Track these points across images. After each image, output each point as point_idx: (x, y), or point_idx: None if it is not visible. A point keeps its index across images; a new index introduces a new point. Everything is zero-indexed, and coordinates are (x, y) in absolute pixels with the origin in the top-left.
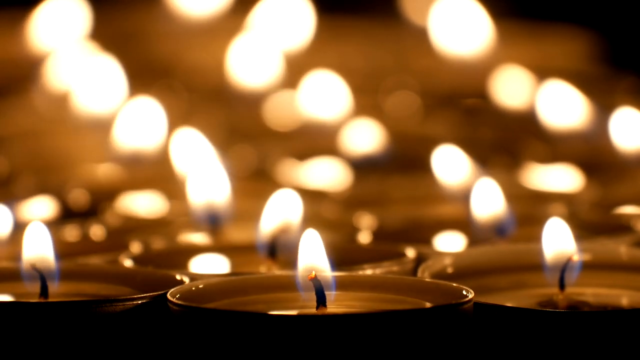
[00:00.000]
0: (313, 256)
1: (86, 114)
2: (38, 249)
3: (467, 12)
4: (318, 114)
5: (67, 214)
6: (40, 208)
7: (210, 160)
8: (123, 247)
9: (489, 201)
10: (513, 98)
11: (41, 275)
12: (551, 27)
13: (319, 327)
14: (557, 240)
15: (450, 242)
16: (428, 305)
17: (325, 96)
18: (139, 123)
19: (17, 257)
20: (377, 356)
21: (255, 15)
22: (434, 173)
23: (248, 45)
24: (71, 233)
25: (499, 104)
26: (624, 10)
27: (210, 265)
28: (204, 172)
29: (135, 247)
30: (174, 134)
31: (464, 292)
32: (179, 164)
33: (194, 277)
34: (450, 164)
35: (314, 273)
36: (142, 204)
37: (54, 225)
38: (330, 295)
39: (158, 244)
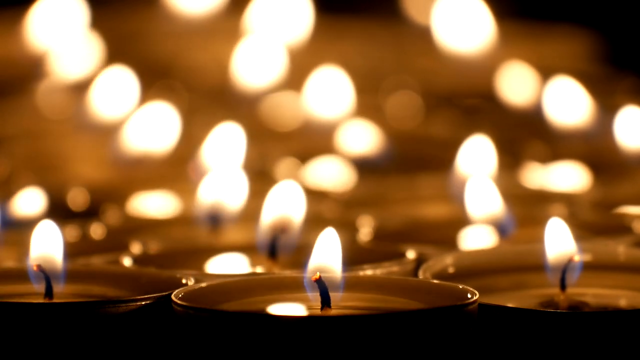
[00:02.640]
0: (327, 255)
1: (86, 113)
2: (45, 248)
3: (468, 11)
4: (319, 114)
5: (67, 214)
6: (39, 208)
7: (219, 160)
8: (123, 247)
9: (488, 201)
10: (514, 97)
11: (46, 276)
12: (551, 27)
13: (324, 328)
14: (558, 240)
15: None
16: (433, 306)
17: (325, 96)
18: (140, 122)
19: (17, 257)
20: (382, 357)
21: (254, 15)
22: (457, 170)
23: (248, 45)
24: (71, 233)
25: (500, 104)
26: (624, 10)
27: (211, 266)
28: (213, 172)
29: (136, 247)
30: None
31: (469, 294)
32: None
33: (198, 278)
34: (473, 162)
35: (318, 274)
36: (143, 204)
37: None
38: (337, 296)
39: (158, 244)
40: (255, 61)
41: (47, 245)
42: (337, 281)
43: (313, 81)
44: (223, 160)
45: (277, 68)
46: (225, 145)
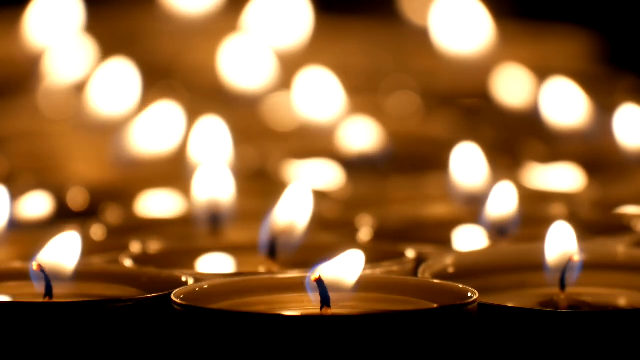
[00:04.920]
0: (344, 270)
1: (86, 113)
2: (60, 254)
3: (467, 11)
4: (318, 114)
5: (67, 214)
6: (39, 207)
7: (214, 159)
8: (123, 247)
9: (491, 201)
10: (513, 98)
11: (46, 276)
12: (551, 27)
13: (323, 327)
14: (561, 241)
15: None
16: (433, 305)
17: (325, 96)
18: (140, 121)
19: (19, 257)
20: (382, 357)
21: (253, 15)
22: (449, 171)
23: (247, 45)
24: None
25: (499, 104)
26: (624, 10)
27: (211, 265)
28: (208, 171)
29: (136, 247)
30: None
31: (469, 293)
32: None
33: (198, 278)
34: (466, 164)
35: (317, 274)
36: (143, 203)
37: (53, 225)
38: (336, 296)
39: (158, 244)
40: (254, 61)
41: (63, 251)
42: (342, 285)
43: (313, 81)
44: (218, 160)
45: (276, 68)
46: (219, 144)
